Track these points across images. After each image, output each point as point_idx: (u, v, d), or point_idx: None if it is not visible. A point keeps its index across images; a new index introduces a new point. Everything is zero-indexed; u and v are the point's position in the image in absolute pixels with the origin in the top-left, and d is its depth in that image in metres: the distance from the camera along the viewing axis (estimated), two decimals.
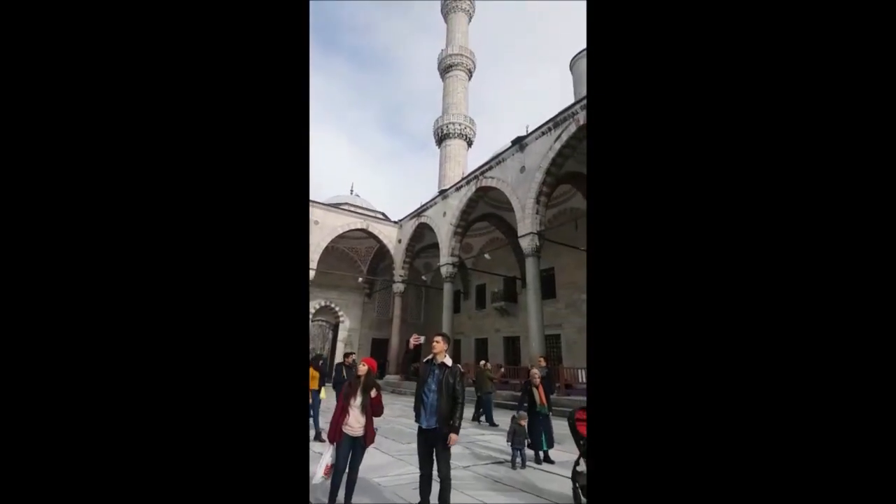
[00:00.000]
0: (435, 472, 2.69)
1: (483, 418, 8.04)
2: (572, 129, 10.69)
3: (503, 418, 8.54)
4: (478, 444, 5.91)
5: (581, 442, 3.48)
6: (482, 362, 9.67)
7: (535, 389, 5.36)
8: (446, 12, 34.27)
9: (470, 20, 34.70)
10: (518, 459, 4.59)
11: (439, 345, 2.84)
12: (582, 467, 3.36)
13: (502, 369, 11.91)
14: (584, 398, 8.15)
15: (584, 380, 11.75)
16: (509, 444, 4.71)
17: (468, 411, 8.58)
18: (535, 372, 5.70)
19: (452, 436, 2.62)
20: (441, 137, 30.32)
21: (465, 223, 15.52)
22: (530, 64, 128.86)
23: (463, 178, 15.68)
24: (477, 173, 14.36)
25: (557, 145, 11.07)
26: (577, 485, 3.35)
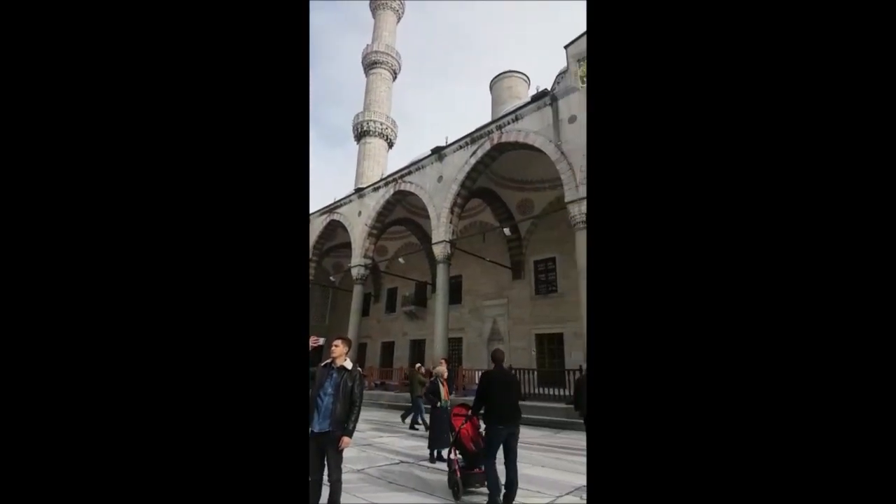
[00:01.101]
0: (326, 477, 2.68)
1: (416, 420, 8.02)
2: (487, 146, 11.45)
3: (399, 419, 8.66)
4: (375, 446, 5.93)
5: (452, 433, 3.87)
6: (417, 365, 9.68)
7: (441, 385, 5.67)
8: (374, 7, 33.69)
9: (399, 20, 34.63)
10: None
11: (338, 348, 2.85)
12: (455, 455, 3.74)
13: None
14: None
15: None
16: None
17: (385, 414, 8.46)
18: (443, 369, 6.06)
19: (345, 438, 2.65)
20: (360, 133, 29.58)
21: (382, 225, 15.40)
22: (454, 79, 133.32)
23: (382, 179, 15.57)
24: (396, 176, 14.40)
25: (473, 160, 11.73)
26: (451, 470, 3.70)
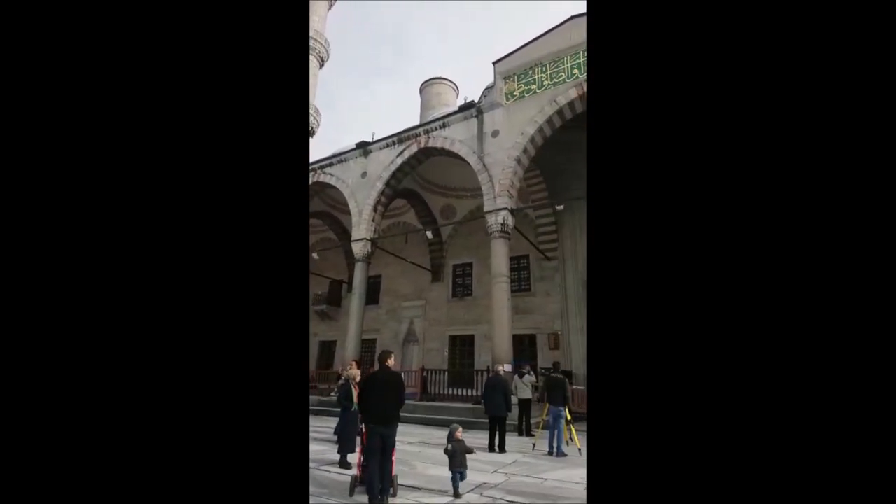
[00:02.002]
0: None
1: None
2: (414, 148, 11.48)
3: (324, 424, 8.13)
4: None
5: (360, 435, 3.86)
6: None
7: (353, 389, 5.47)
8: None
9: (330, 8, 33.02)
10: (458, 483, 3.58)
11: None
12: (360, 455, 3.72)
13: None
14: None
15: None
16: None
17: None
18: (355, 372, 5.89)
19: None
20: None
21: None
22: (383, 77, 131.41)
23: None
24: (316, 166, 13.61)
25: (399, 160, 11.65)
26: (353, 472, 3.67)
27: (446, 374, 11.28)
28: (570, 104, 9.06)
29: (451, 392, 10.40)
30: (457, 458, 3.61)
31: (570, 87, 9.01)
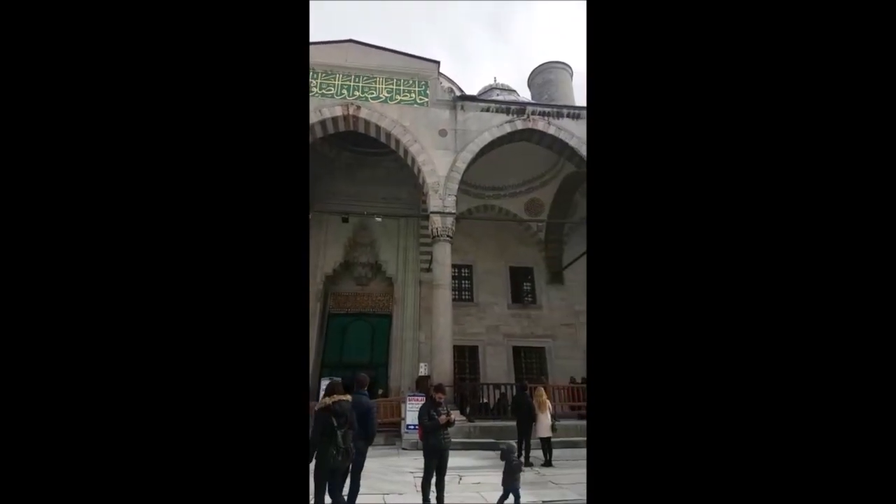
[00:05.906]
0: None
1: None
2: None
3: None
4: None
5: None
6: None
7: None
8: None
9: None
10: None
11: None
12: None
13: None
14: None
15: None
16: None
17: None
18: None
19: None
20: None
21: None
22: None
23: None
24: None
25: None
26: None
27: None
28: (334, 121, 9.19)
29: None
30: (513, 472, 3.38)
31: (337, 104, 9.16)
